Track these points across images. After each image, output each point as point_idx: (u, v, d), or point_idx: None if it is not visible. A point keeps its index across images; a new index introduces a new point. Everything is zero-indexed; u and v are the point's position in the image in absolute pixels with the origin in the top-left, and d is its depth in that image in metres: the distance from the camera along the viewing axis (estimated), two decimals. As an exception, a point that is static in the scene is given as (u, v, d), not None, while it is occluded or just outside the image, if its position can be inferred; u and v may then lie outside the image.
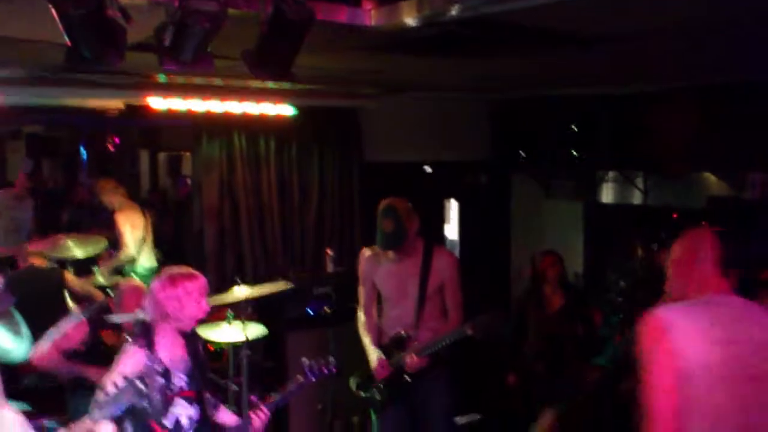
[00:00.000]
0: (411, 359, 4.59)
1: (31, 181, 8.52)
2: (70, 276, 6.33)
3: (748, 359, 2.53)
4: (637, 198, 7.03)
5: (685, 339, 2.54)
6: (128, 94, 5.80)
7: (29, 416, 3.28)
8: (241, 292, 5.14)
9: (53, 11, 2.75)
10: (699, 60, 4.74)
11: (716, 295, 2.68)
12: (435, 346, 4.58)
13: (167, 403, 3.58)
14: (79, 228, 7.66)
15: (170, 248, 8.15)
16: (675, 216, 6.53)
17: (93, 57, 2.91)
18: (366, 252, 4.95)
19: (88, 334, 4.77)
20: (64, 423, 3.65)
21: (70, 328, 4.80)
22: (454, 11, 3.24)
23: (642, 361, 2.62)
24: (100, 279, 6.75)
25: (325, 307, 6.11)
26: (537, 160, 7.40)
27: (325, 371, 4.37)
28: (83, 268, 6.82)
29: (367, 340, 4.90)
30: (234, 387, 5.33)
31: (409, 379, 4.67)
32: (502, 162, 7.79)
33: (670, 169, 6.31)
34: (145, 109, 5.91)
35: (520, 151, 7.50)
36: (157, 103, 5.85)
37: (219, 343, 5.60)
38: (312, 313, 6.21)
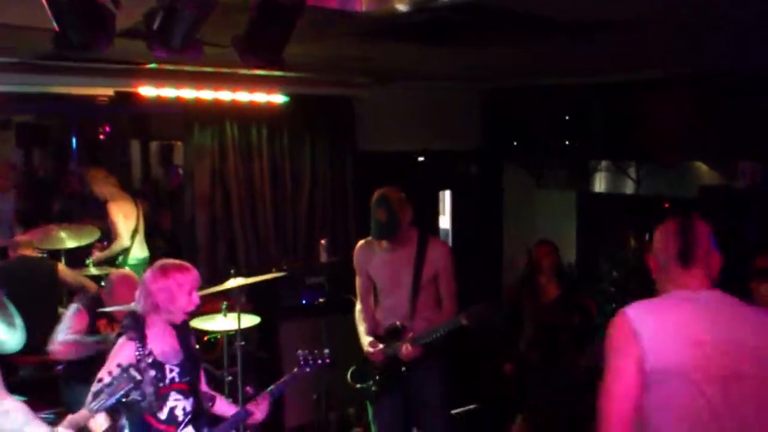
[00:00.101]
0: (406, 349, 4.59)
1: (12, 170, 8.42)
2: (62, 267, 6.30)
3: (718, 360, 2.46)
4: (629, 187, 7.03)
5: (653, 341, 2.47)
6: (118, 81, 5.77)
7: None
8: (235, 282, 5.14)
9: (41, -4, 2.73)
10: (693, 48, 4.73)
11: (687, 291, 2.61)
12: (430, 336, 4.58)
13: (161, 395, 3.57)
14: (70, 218, 7.62)
15: (168, 241, 8.13)
16: (666, 205, 6.54)
17: (81, 43, 2.88)
18: (360, 242, 4.94)
19: (89, 323, 4.78)
20: (60, 415, 3.65)
21: (74, 317, 4.83)
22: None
23: (607, 360, 2.56)
24: (93, 270, 6.72)
25: (320, 299, 6.12)
26: (530, 149, 7.39)
27: (320, 362, 4.36)
28: (76, 258, 6.79)
29: (361, 329, 4.90)
30: (228, 377, 5.33)
31: (404, 369, 4.67)
32: (494, 151, 7.79)
33: (663, 158, 6.31)
34: (136, 97, 5.88)
35: (513, 141, 7.50)
36: (148, 91, 5.82)
37: (213, 334, 5.60)
38: (305, 303, 6.21)
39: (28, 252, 6.17)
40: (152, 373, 3.45)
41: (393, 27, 3.90)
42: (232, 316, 5.22)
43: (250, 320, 5.41)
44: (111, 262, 7.10)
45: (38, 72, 5.32)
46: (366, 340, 4.84)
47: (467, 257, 7.06)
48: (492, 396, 6.31)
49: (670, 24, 3.89)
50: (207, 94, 6.10)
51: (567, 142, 6.94)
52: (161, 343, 3.68)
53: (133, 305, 3.74)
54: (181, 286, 3.66)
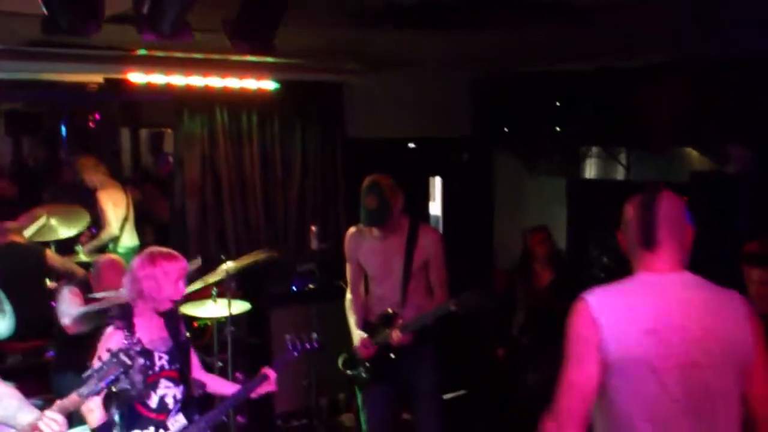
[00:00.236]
0: (396, 335, 4.59)
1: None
2: (51, 253, 6.29)
3: (678, 347, 2.37)
4: (620, 173, 7.03)
5: (612, 329, 2.40)
6: (108, 68, 5.74)
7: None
8: (226, 267, 5.14)
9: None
10: (686, 31, 4.71)
11: (653, 274, 2.50)
12: (419, 322, 4.58)
13: (150, 383, 3.57)
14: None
15: (156, 229, 8.10)
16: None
17: (71, 27, 2.86)
18: (351, 229, 4.93)
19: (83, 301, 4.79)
20: (50, 401, 3.64)
21: (71, 295, 4.86)
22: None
23: (567, 347, 2.49)
24: (82, 256, 6.71)
25: (310, 285, 6.12)
26: (520, 135, 7.38)
27: (308, 346, 4.37)
28: (65, 246, 6.78)
29: (352, 321, 4.88)
30: (219, 363, 5.34)
31: (393, 356, 4.67)
32: (485, 138, 7.78)
33: (654, 144, 6.31)
34: (125, 84, 5.85)
35: (504, 128, 7.49)
36: (138, 77, 5.79)
37: (203, 320, 5.60)
38: (296, 290, 6.21)
39: (17, 238, 6.15)
40: (141, 361, 3.44)
41: (385, 11, 3.88)
42: (223, 303, 5.21)
43: (240, 306, 5.40)
44: (101, 250, 7.09)
45: (27, 59, 5.28)
46: (357, 334, 4.83)
47: (458, 244, 7.06)
48: (484, 382, 6.33)
49: (664, 5, 3.87)
50: (197, 81, 6.07)
51: (558, 129, 6.93)
52: (149, 331, 3.68)
53: (121, 291, 3.75)
54: (167, 275, 3.65)
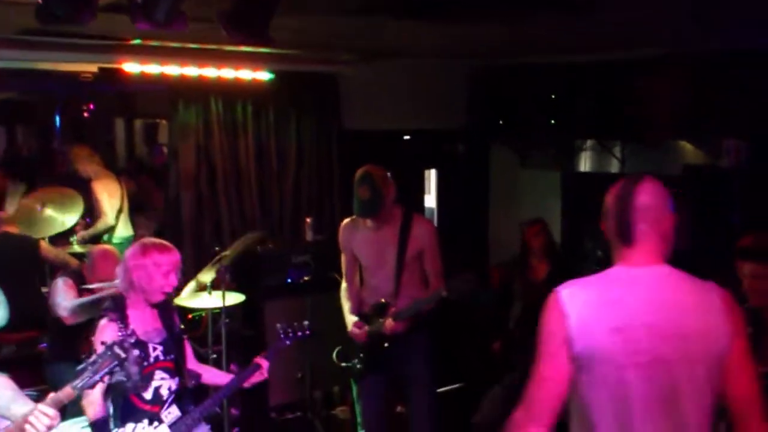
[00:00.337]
0: (389, 324, 4.59)
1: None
2: (44, 244, 6.28)
3: (646, 343, 2.33)
4: (614, 166, 7.03)
5: (580, 324, 2.37)
6: (102, 57, 5.72)
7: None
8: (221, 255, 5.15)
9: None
10: (683, 24, 4.70)
11: (629, 267, 2.46)
12: (412, 310, 4.58)
13: (146, 375, 3.57)
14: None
15: (150, 220, 8.08)
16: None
17: (65, 16, 2.85)
18: (346, 221, 4.93)
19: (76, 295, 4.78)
20: (43, 393, 3.64)
21: (66, 287, 4.83)
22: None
23: (538, 341, 2.46)
24: (77, 247, 6.70)
25: (305, 277, 6.11)
26: (516, 128, 7.38)
27: (300, 334, 4.37)
28: (60, 236, 6.76)
29: (346, 307, 4.89)
30: (213, 355, 5.34)
31: (386, 345, 4.67)
32: (480, 130, 7.77)
33: (649, 137, 6.31)
34: (120, 74, 5.83)
35: (499, 120, 7.48)
36: (132, 67, 5.77)
37: (198, 311, 5.59)
38: (291, 282, 6.20)
39: (11, 229, 6.13)
40: (136, 352, 3.44)
41: (381, 1, 3.86)
42: (217, 294, 5.21)
43: (234, 298, 5.40)
44: (95, 240, 7.07)
45: (21, 47, 5.25)
46: (350, 319, 4.84)
47: (453, 236, 7.07)
48: (479, 376, 6.33)
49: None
50: (192, 71, 6.05)
51: (553, 122, 6.93)
52: (143, 322, 3.68)
53: (115, 281, 3.74)
54: (158, 266, 3.65)
